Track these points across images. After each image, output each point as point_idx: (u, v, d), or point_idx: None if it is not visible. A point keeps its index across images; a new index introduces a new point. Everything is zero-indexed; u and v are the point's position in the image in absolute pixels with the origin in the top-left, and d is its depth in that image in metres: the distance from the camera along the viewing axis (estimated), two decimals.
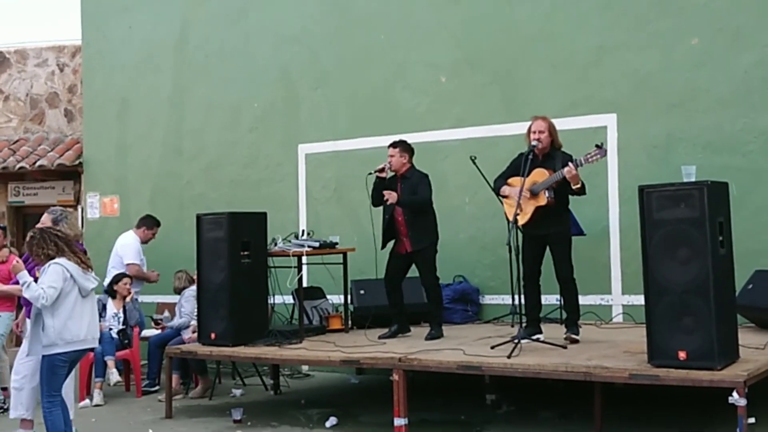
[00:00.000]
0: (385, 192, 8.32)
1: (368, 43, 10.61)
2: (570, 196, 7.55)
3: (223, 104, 11.64)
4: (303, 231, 9.69)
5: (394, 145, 8.48)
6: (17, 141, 13.72)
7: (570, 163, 7.23)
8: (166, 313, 10.21)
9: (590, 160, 7.28)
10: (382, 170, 8.41)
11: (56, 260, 6.69)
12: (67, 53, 13.84)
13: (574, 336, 7.48)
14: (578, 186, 7.31)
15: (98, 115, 12.68)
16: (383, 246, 8.51)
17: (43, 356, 6.66)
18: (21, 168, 12.98)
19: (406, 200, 8.29)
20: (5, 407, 8.73)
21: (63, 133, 13.71)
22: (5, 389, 8.95)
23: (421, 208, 8.31)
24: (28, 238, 6.90)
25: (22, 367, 7.63)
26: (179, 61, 12.05)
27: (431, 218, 8.40)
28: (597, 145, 7.30)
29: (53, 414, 6.67)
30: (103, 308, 9.64)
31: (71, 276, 6.68)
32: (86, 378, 9.35)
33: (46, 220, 7.83)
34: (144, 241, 10.61)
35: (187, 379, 9.69)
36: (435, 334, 8.23)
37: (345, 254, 9.16)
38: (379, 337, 8.34)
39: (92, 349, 6.93)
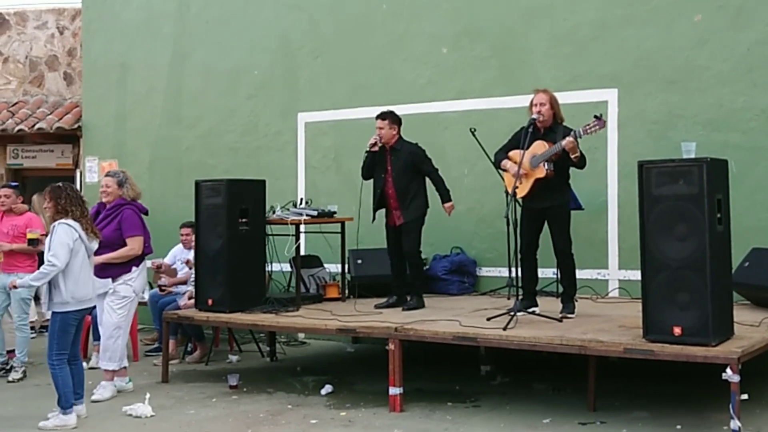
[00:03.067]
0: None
1: (369, 12, 10.56)
2: (570, 171, 7.54)
3: (223, 71, 11.61)
4: (301, 199, 9.70)
5: (382, 116, 8.39)
6: (16, 103, 13.68)
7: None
8: (163, 279, 10.20)
9: (589, 131, 7.25)
10: (374, 145, 8.35)
11: (63, 220, 6.76)
12: (67, 16, 13.77)
13: (569, 315, 7.47)
14: (577, 155, 7.27)
15: (98, 79, 12.67)
16: (374, 218, 8.52)
17: (56, 314, 6.80)
18: (20, 131, 12.96)
19: (445, 195, 8.36)
20: (7, 368, 8.94)
21: (62, 97, 13.68)
22: (11, 352, 9.10)
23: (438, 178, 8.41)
24: (56, 187, 6.94)
25: None
26: (179, 27, 12.00)
27: (422, 191, 8.39)
28: (596, 116, 7.26)
29: (63, 371, 6.80)
30: None
31: (80, 236, 6.81)
32: (84, 340, 9.37)
33: (111, 183, 8.06)
34: None
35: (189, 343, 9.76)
36: (415, 305, 8.26)
37: (343, 223, 9.17)
38: (376, 307, 8.38)
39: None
